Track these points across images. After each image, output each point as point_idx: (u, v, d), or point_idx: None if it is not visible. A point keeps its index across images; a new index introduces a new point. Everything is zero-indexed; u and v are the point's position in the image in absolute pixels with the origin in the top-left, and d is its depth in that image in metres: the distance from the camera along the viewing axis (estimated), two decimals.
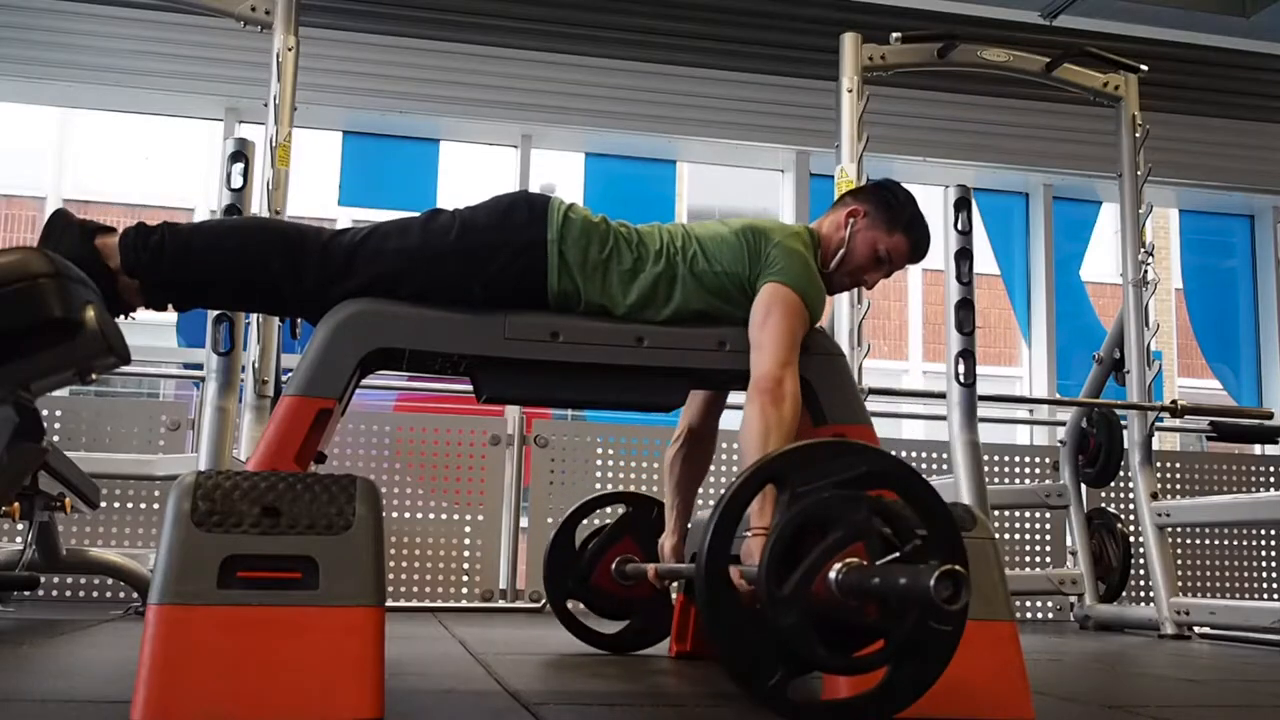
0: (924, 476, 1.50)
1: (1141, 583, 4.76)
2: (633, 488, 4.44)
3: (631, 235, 2.14)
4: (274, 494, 1.54)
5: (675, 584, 2.72)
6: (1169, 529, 4.11)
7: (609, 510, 2.95)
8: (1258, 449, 5.82)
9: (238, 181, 3.51)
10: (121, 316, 2.02)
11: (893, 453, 1.55)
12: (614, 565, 2.70)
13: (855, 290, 3.47)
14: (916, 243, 2.30)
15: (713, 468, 4.54)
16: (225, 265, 2.01)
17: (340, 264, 1.99)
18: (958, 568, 1.26)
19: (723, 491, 1.47)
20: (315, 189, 5.30)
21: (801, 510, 1.42)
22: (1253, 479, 5.14)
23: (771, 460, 1.47)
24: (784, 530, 1.41)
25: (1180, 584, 4.44)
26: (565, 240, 2.05)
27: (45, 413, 3.91)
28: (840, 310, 3.81)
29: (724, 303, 2.12)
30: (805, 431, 2.06)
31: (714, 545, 1.41)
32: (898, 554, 1.41)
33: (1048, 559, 4.88)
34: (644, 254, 2.11)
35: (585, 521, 2.90)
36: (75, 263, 1.88)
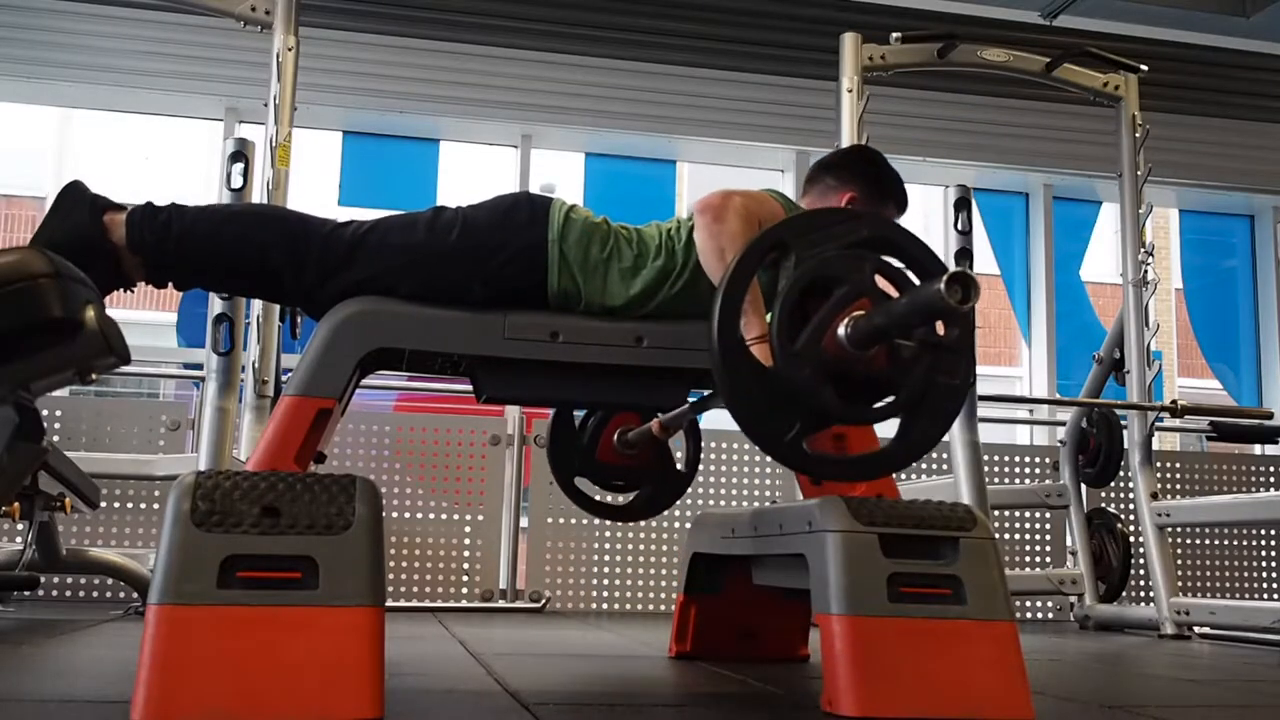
0: (920, 239, 1.51)
1: (1141, 583, 4.76)
2: None
3: (632, 235, 2.14)
4: (274, 494, 1.54)
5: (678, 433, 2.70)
6: (1169, 529, 4.11)
7: None
8: (1258, 449, 5.82)
9: (238, 181, 3.50)
10: (123, 289, 2.05)
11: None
12: (616, 436, 2.68)
13: None
14: (900, 205, 2.36)
15: (712, 467, 4.59)
16: (227, 250, 2.02)
17: (341, 256, 1.99)
18: (966, 270, 1.28)
19: (728, 264, 1.48)
20: (315, 189, 5.30)
21: (808, 270, 1.43)
22: (1253, 479, 5.14)
23: (776, 228, 1.49)
24: (791, 289, 1.42)
25: (1180, 584, 4.44)
26: (566, 240, 2.05)
27: (45, 413, 3.91)
28: None
29: None
30: None
31: (724, 313, 1.42)
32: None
33: (1048, 559, 4.88)
34: (644, 251, 2.11)
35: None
36: (81, 235, 1.92)
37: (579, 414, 2.80)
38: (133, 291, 2.09)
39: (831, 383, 1.40)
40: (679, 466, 2.79)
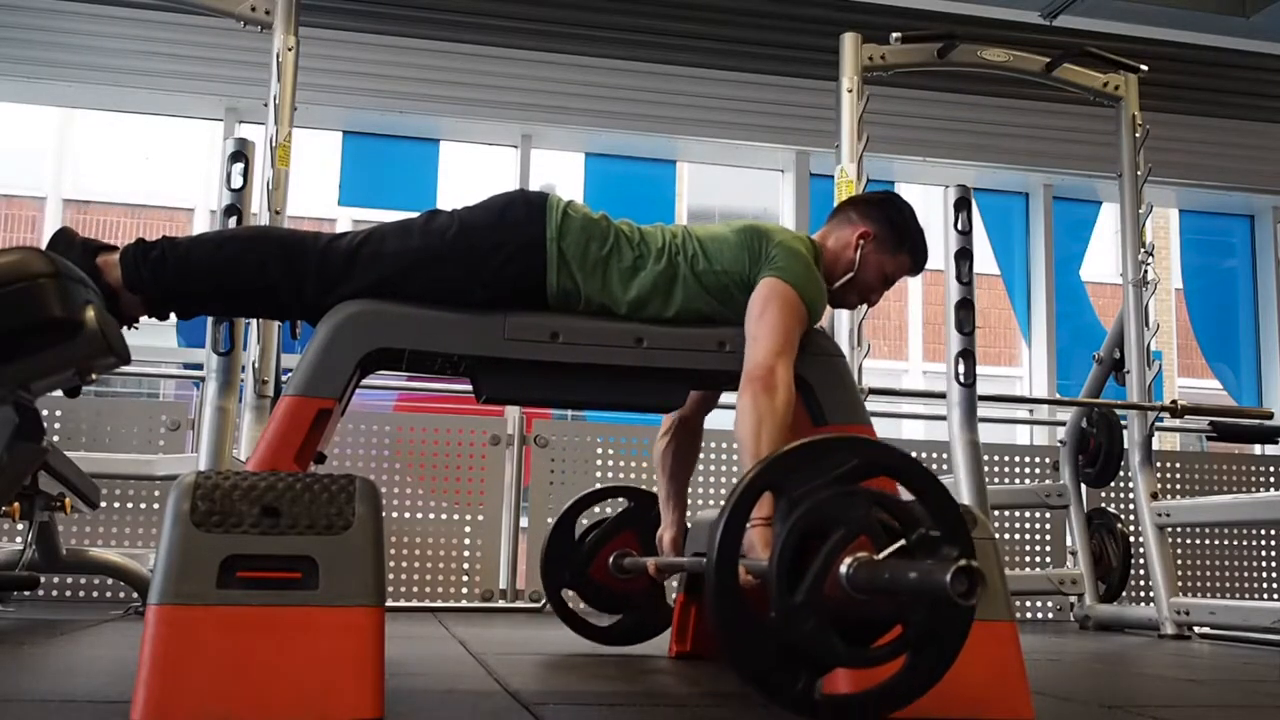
0: (916, 460, 1.50)
1: (1141, 583, 4.76)
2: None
3: (634, 234, 2.14)
4: (274, 494, 1.54)
5: (674, 578, 2.72)
6: (1169, 529, 4.11)
7: (607, 507, 2.94)
8: (1258, 449, 5.82)
9: (238, 181, 3.51)
10: (124, 328, 2.05)
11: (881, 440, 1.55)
12: (612, 559, 2.69)
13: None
14: (917, 261, 2.34)
15: (710, 467, 4.59)
16: (225, 275, 2.03)
17: (339, 269, 1.99)
18: (972, 563, 1.26)
19: (723, 503, 1.47)
20: (315, 189, 5.30)
21: (801, 515, 1.42)
22: (1253, 479, 5.14)
23: (765, 469, 1.47)
24: (788, 539, 1.40)
25: (1180, 584, 4.44)
26: (564, 237, 2.05)
27: (45, 413, 3.91)
28: (840, 311, 3.80)
29: (724, 303, 2.12)
30: (805, 430, 2.06)
31: (721, 561, 1.41)
32: (903, 541, 1.42)
33: (1048, 559, 4.88)
34: (645, 252, 2.11)
35: (585, 516, 2.89)
36: None
37: (579, 530, 2.80)
38: (136, 328, 2.08)
39: (834, 630, 1.39)
40: (669, 602, 2.77)
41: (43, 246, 2.03)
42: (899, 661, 1.43)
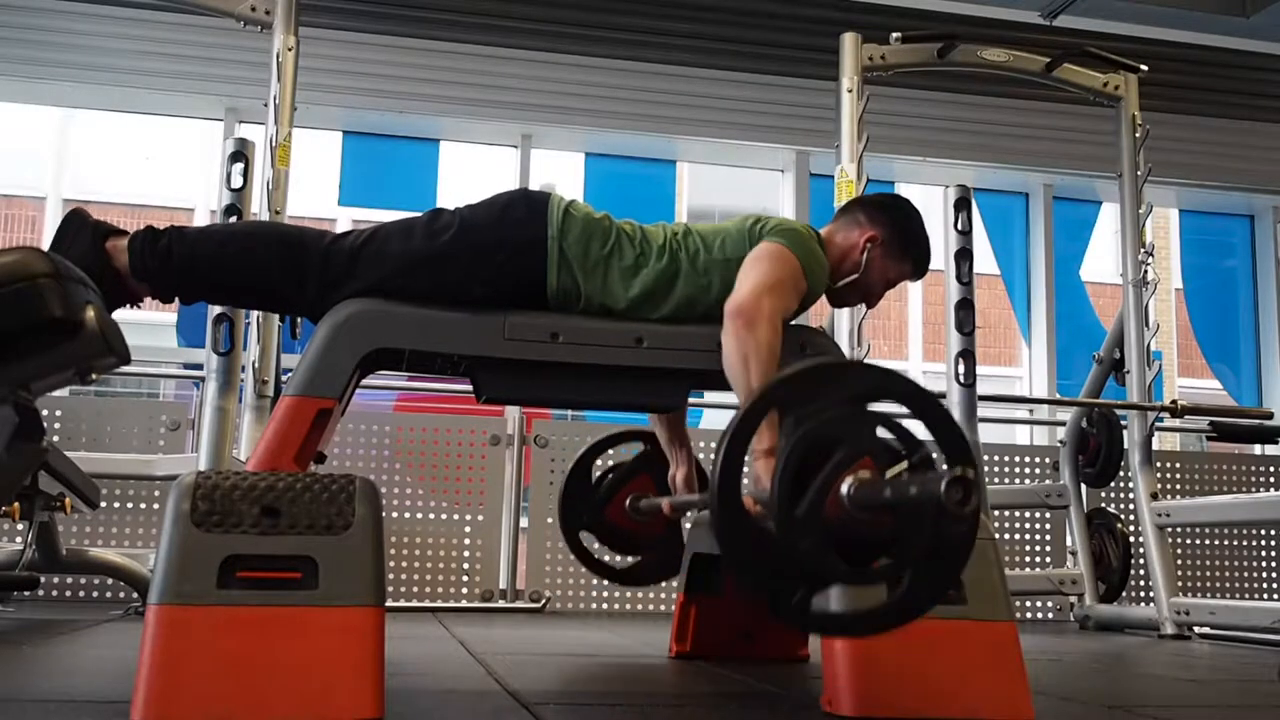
0: (922, 386, 1.51)
1: (1141, 583, 4.76)
2: None
3: (635, 233, 2.14)
4: (274, 494, 1.54)
5: (690, 514, 2.71)
6: (1169, 529, 4.11)
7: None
8: (1258, 449, 5.82)
9: (238, 181, 3.51)
10: (128, 306, 2.09)
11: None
12: (628, 501, 2.70)
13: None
14: (920, 267, 2.35)
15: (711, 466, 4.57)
16: (229, 272, 2.06)
17: (342, 269, 2.00)
18: (966, 471, 1.27)
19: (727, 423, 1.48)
20: (315, 189, 5.30)
21: (807, 432, 1.43)
22: (1253, 479, 5.14)
23: (773, 387, 1.48)
24: (792, 454, 1.42)
25: (1180, 584, 4.44)
26: (566, 237, 2.05)
27: (45, 413, 3.91)
28: (840, 310, 3.81)
29: (725, 289, 2.11)
30: None
31: (725, 476, 1.42)
32: (905, 462, 1.44)
33: (1048, 559, 4.88)
34: (647, 250, 2.11)
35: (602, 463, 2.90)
36: (85, 263, 1.93)
37: (595, 470, 2.82)
38: (140, 306, 2.13)
39: (834, 547, 1.40)
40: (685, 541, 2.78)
41: (46, 242, 2.06)
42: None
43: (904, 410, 1.47)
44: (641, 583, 2.77)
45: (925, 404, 1.48)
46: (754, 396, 1.46)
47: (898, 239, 2.29)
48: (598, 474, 2.83)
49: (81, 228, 2.04)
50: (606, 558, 2.97)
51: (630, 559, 2.83)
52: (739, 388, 1.95)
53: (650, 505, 2.63)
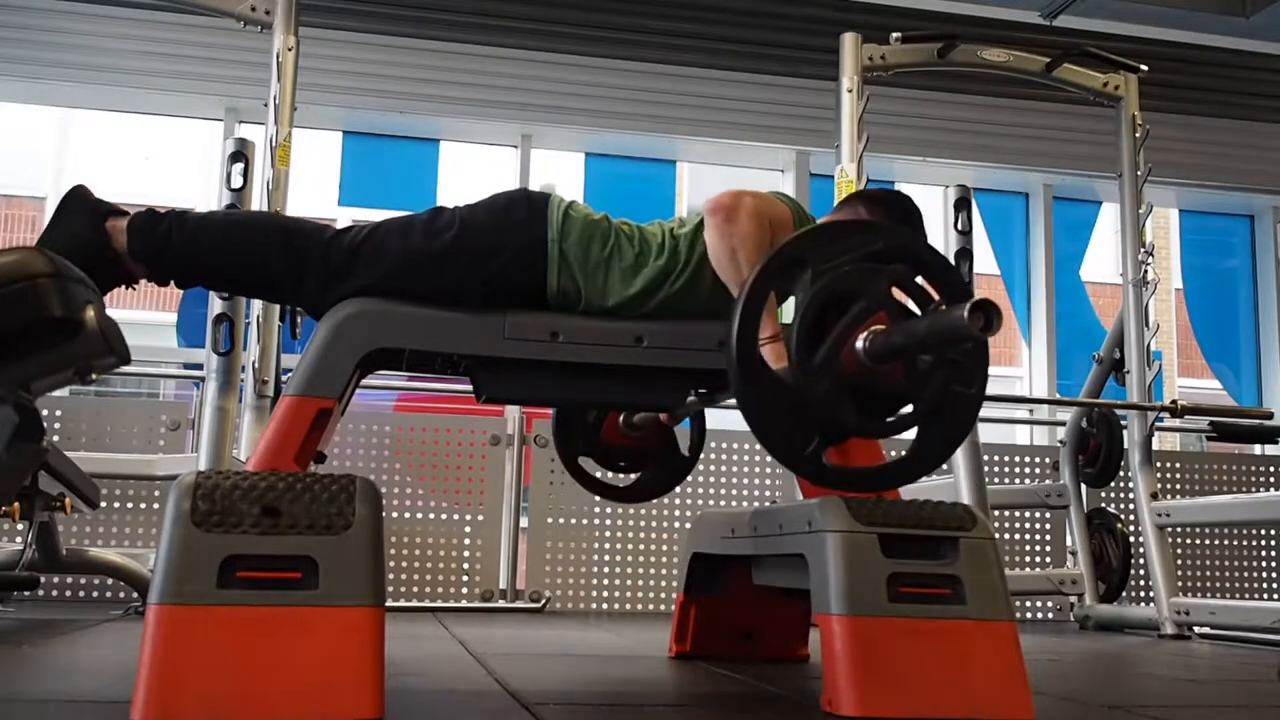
0: (936, 249, 1.51)
1: (1141, 583, 4.76)
2: None
3: (634, 232, 2.13)
4: (274, 494, 1.54)
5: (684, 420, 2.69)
6: (1169, 529, 4.11)
7: None
8: (1258, 449, 5.82)
9: (238, 181, 3.51)
10: (124, 287, 2.08)
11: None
12: (621, 418, 2.69)
13: None
14: None
15: (712, 466, 4.59)
16: (229, 261, 2.06)
17: (341, 264, 2.00)
18: (989, 300, 1.29)
19: (745, 278, 1.48)
20: (315, 189, 5.30)
21: (826, 285, 1.43)
22: (1253, 479, 5.14)
23: (793, 242, 1.49)
24: (810, 304, 1.42)
25: (1180, 584, 4.44)
26: (566, 239, 2.05)
27: (45, 413, 3.91)
28: None
29: (722, 286, 2.10)
30: None
31: (743, 326, 1.42)
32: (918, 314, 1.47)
33: (1048, 559, 4.88)
34: (646, 249, 2.11)
35: None
36: (83, 242, 1.94)
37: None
38: (135, 288, 2.12)
39: (849, 396, 1.41)
40: (683, 451, 2.79)
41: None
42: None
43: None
44: (646, 497, 2.76)
45: (938, 266, 1.49)
46: (774, 250, 1.47)
47: None
48: None
49: (82, 205, 2.03)
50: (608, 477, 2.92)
51: (631, 476, 2.81)
52: (731, 282, 1.93)
53: (645, 417, 2.62)
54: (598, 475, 2.81)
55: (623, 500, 2.74)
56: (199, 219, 2.08)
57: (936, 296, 1.50)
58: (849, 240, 1.48)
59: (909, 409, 1.45)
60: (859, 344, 1.41)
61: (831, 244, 1.47)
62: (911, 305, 1.52)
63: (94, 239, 1.99)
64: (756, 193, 2.04)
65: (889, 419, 1.46)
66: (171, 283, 2.11)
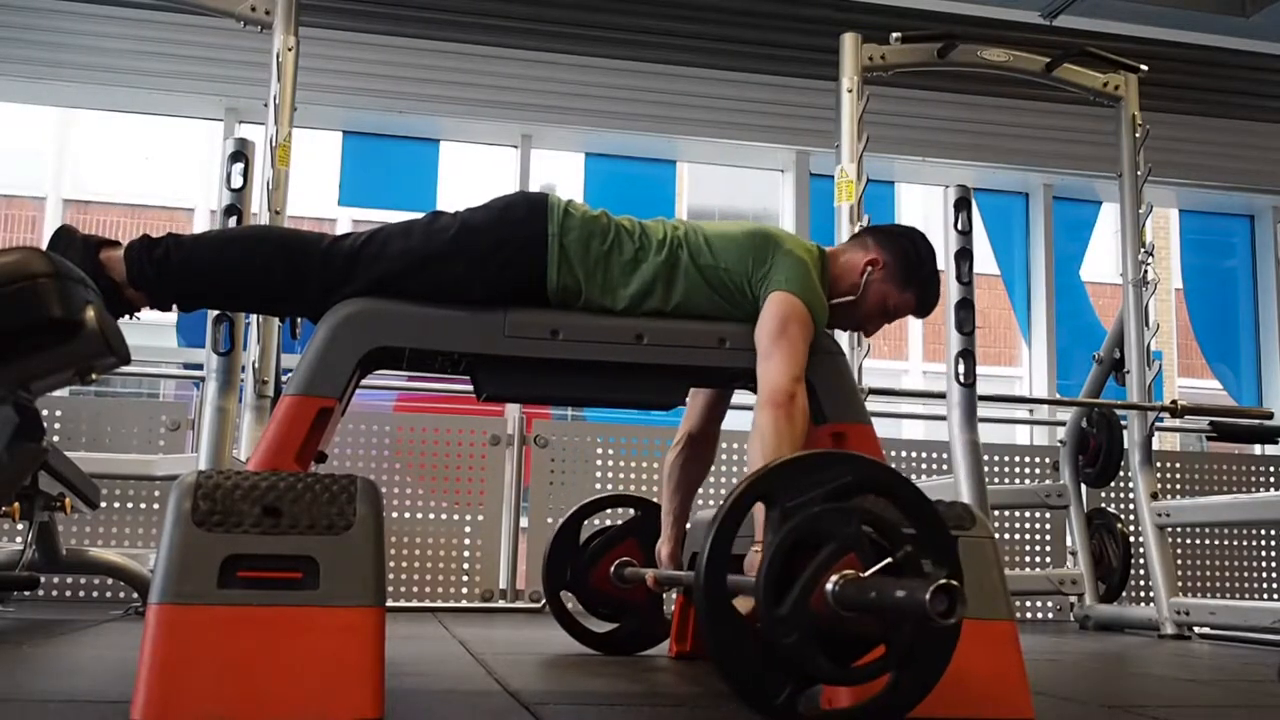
0: (908, 479, 1.50)
1: (1141, 583, 4.76)
2: (633, 488, 4.44)
3: (634, 227, 2.14)
4: (274, 494, 1.54)
5: (672, 590, 2.71)
6: (1169, 529, 4.11)
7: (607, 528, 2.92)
8: (1258, 449, 5.82)
9: (238, 181, 3.51)
10: (126, 316, 2.07)
11: (876, 457, 1.54)
12: (613, 567, 2.69)
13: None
14: (924, 301, 2.32)
15: (711, 467, 4.57)
16: (228, 275, 2.06)
17: (341, 270, 2.00)
18: (952, 581, 1.26)
19: (715, 510, 1.47)
20: (315, 189, 5.30)
21: (792, 528, 1.42)
22: (1253, 479, 5.14)
23: (759, 479, 1.47)
24: (776, 550, 1.41)
25: (1180, 584, 4.44)
26: (566, 235, 2.06)
27: (45, 413, 3.91)
28: None
29: (725, 300, 2.12)
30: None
31: (711, 569, 1.42)
32: (890, 559, 1.42)
33: (1048, 559, 4.88)
34: (646, 244, 2.11)
35: (593, 523, 2.89)
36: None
37: (583, 535, 2.80)
38: (137, 317, 2.10)
39: (820, 644, 1.39)
40: (666, 615, 2.77)
41: (43, 246, 2.05)
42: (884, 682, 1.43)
43: (886, 503, 1.47)
44: (621, 651, 2.74)
45: (910, 498, 1.47)
46: (740, 489, 1.45)
47: (902, 267, 2.27)
48: (586, 535, 2.80)
49: (70, 243, 2.02)
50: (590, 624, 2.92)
51: (611, 625, 2.79)
52: (755, 463, 1.93)
53: (635, 575, 2.62)
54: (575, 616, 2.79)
55: (592, 646, 2.73)
56: (194, 238, 2.10)
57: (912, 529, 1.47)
58: (815, 476, 1.46)
59: (883, 650, 1.43)
60: (828, 587, 1.39)
61: (797, 481, 1.45)
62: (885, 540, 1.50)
63: (89, 272, 1.96)
64: (801, 358, 2.01)
65: (861, 660, 1.44)
66: (174, 307, 2.10)
